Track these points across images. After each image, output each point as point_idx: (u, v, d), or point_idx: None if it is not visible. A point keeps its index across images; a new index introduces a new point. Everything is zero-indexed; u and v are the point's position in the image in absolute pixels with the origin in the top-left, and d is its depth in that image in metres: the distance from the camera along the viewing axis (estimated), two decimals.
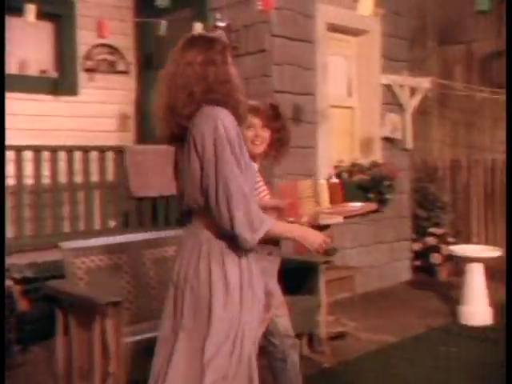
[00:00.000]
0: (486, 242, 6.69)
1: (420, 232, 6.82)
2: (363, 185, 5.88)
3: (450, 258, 6.28)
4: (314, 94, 5.63)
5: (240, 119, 2.19)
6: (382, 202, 6.00)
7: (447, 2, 7.03)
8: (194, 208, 2.17)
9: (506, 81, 5.42)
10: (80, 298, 3.31)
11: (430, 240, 6.66)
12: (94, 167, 5.60)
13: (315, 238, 2.24)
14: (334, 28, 5.94)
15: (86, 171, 5.50)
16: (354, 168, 5.95)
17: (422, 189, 7.00)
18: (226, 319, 2.10)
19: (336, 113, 6.22)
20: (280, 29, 5.36)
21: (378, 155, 6.37)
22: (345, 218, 3.31)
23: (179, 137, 2.16)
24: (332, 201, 4.24)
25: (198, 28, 5.29)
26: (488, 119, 6.86)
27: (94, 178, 5.60)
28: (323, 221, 2.92)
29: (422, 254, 6.75)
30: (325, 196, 4.17)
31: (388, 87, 6.55)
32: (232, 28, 5.34)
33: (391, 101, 6.59)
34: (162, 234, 4.03)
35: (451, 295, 5.78)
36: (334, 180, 5.48)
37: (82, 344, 3.24)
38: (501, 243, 5.66)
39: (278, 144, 3.00)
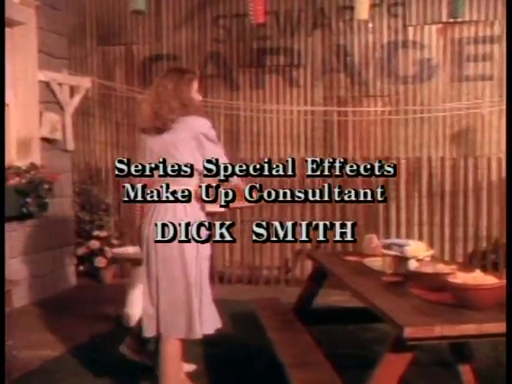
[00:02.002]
0: None
1: (84, 236, 6.61)
2: (21, 189, 5.45)
3: (115, 260, 6.20)
4: None
5: None
6: (42, 206, 5.64)
7: (106, 1, 6.93)
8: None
9: (506, 82, 5.50)
10: None
11: (94, 243, 6.49)
12: None
13: None
14: None
15: None
16: (10, 171, 5.48)
17: (84, 191, 6.79)
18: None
19: None
20: None
21: (36, 157, 5.97)
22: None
23: (159, 130, 3.32)
24: None
25: None
26: None
27: None
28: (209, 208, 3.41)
29: (86, 259, 6.55)
30: None
31: (46, 84, 6.21)
32: None
33: (50, 99, 6.26)
34: None
35: (117, 298, 5.67)
36: None
37: None
38: None
39: None
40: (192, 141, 3.30)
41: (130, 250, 5.34)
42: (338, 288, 4.62)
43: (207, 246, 3.40)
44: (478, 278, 2.63)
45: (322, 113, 6.58)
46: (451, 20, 6.16)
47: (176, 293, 3.29)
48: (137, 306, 5.00)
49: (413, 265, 3.06)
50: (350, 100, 6.53)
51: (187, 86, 3.39)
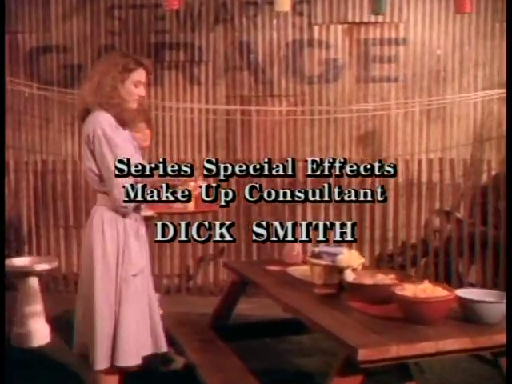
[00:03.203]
0: (38, 252, 6.20)
1: None
2: None
3: None
4: None
5: (123, 123, 2.86)
6: None
7: None
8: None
9: (506, 81, 5.03)
10: None
11: None
12: None
13: None
14: None
15: None
16: None
17: None
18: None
19: None
20: None
21: None
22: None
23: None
24: None
25: None
26: (37, 118, 6.38)
27: None
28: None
29: None
30: None
31: None
32: None
33: None
34: None
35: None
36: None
37: None
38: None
39: None
40: (94, 140, 2.78)
41: (18, 261, 4.79)
42: (244, 295, 4.34)
43: (134, 263, 2.84)
44: (427, 289, 2.44)
45: (225, 112, 6.30)
46: (357, 20, 6.09)
47: (90, 316, 2.83)
48: (28, 323, 4.49)
49: (350, 276, 2.83)
50: (254, 99, 6.29)
51: (120, 74, 2.81)
